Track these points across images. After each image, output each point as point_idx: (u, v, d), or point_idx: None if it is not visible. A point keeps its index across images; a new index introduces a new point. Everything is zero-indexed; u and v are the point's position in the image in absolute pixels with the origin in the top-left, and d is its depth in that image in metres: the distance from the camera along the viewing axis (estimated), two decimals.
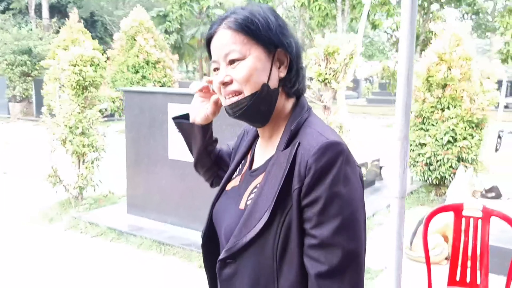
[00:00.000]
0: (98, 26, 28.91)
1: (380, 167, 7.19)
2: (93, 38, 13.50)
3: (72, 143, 5.36)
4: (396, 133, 2.32)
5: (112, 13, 28.51)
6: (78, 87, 5.45)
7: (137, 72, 12.18)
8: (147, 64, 12.17)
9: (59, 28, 15.46)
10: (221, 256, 1.14)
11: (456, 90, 6.12)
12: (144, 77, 12.13)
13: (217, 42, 1.13)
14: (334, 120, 3.92)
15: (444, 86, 6.19)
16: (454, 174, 6.21)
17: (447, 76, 6.13)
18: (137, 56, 12.12)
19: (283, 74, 1.14)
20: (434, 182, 6.29)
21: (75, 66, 5.40)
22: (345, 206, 1.01)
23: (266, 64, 1.11)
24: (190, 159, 1.46)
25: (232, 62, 1.11)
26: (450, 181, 6.48)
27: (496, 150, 7.47)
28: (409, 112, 2.30)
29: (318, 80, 3.75)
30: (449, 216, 2.85)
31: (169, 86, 12.30)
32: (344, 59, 3.67)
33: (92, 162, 5.72)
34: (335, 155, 1.02)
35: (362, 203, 1.06)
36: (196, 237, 4.58)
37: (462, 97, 6.10)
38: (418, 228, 4.28)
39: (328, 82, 3.73)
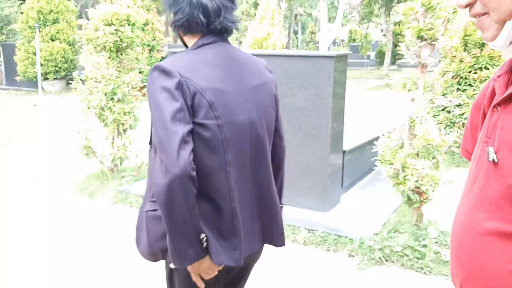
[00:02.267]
0: None
1: None
2: None
3: (112, 110, 4.90)
4: None
5: None
6: (113, 49, 4.96)
7: None
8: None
9: None
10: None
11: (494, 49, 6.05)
12: None
13: None
14: (427, 80, 3.72)
15: (482, 45, 6.12)
16: None
17: None
18: None
19: (172, 20, 1.59)
20: None
21: (110, 26, 4.89)
22: (157, 108, 1.42)
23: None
24: None
25: None
26: None
27: None
28: None
29: (419, 36, 3.52)
30: None
31: (158, 50, 11.67)
32: (446, 14, 3.45)
33: (125, 131, 5.29)
34: (151, 74, 1.47)
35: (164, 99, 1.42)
36: None
37: (500, 56, 6.06)
38: None
39: (429, 38, 3.50)
